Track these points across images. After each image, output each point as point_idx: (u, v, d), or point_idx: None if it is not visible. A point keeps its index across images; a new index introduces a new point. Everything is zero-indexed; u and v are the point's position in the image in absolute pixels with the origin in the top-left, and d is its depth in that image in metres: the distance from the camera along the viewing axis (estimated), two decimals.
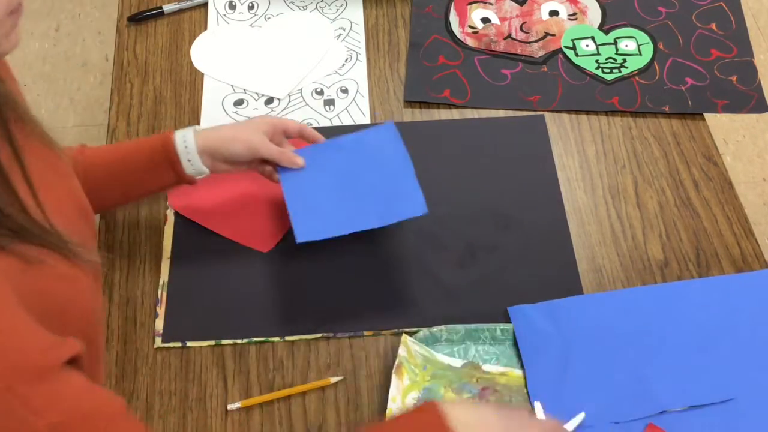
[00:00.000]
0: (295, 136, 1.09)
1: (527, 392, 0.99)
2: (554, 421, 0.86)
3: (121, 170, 1.01)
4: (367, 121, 1.26)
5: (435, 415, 0.74)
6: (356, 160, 1.08)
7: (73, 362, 0.70)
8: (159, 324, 1.05)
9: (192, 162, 1.01)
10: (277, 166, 1.07)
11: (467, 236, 1.13)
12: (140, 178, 1.03)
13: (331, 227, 1.01)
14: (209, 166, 1.03)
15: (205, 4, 1.41)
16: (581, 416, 0.96)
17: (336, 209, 1.03)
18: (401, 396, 0.97)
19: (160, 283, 1.09)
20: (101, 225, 1.15)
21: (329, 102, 1.28)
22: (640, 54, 1.34)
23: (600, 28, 1.38)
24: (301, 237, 1.00)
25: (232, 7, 1.41)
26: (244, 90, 1.30)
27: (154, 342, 1.04)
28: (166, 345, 1.04)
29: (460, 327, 1.03)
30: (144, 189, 1.05)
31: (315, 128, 1.24)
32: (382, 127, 1.11)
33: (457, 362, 1.01)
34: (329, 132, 1.23)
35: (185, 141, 1.01)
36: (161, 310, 1.06)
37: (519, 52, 1.34)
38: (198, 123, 1.26)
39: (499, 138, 1.24)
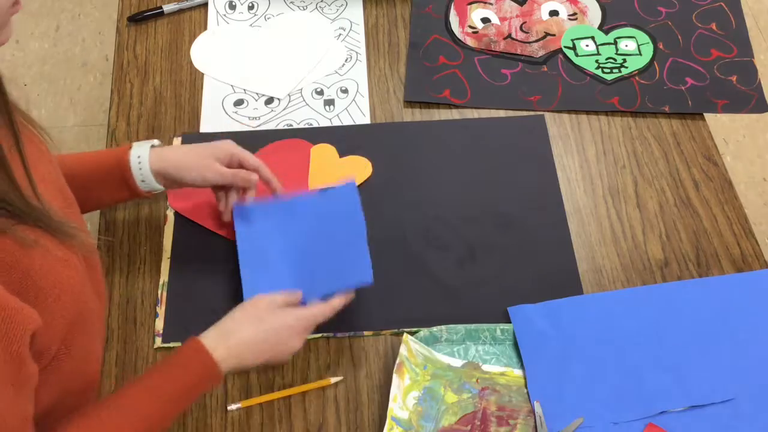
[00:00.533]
0: (251, 170, 1.06)
1: (527, 392, 0.99)
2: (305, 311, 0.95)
3: (78, 182, 1.00)
4: (367, 120, 1.26)
5: (199, 352, 0.87)
6: (313, 218, 1.07)
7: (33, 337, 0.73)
8: (159, 324, 1.05)
9: (146, 182, 1.02)
10: (233, 215, 1.07)
11: (467, 236, 1.13)
12: (96, 192, 1.03)
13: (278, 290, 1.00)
14: (163, 185, 1.04)
15: (205, 4, 1.41)
16: (579, 421, 0.96)
17: (285, 272, 1.03)
18: (402, 395, 0.97)
19: (160, 283, 1.09)
20: (101, 225, 1.15)
21: (329, 102, 1.28)
22: (640, 54, 1.34)
23: (600, 28, 1.38)
24: (248, 296, 1.00)
25: (232, 7, 1.41)
26: (244, 90, 1.30)
27: (154, 342, 1.04)
28: (167, 345, 1.04)
29: (460, 327, 1.03)
30: (100, 202, 1.06)
31: (315, 128, 1.24)
32: (344, 186, 1.08)
33: (457, 362, 1.01)
34: (329, 132, 1.23)
35: (140, 162, 1.01)
36: (161, 310, 1.06)
37: (519, 52, 1.34)
38: (198, 123, 1.26)
39: (500, 138, 1.24)
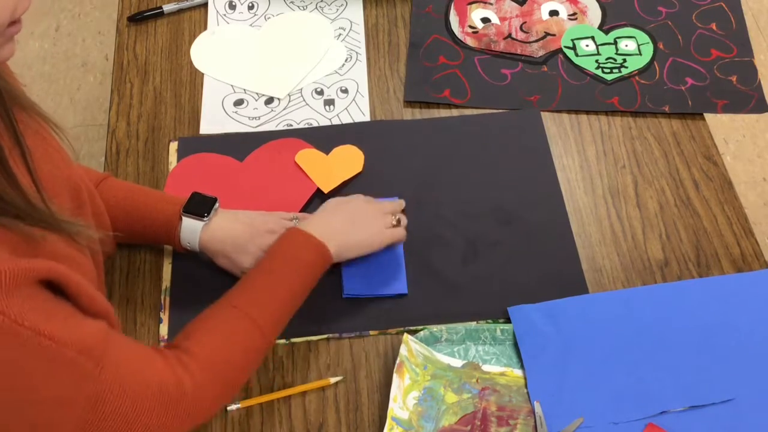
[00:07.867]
0: None
1: (527, 392, 0.99)
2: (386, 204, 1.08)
3: (126, 226, 1.02)
4: (367, 120, 1.25)
5: (299, 232, 0.98)
6: None
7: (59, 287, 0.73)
8: (164, 329, 1.05)
9: (192, 250, 1.05)
10: None
11: (468, 234, 1.13)
12: (140, 238, 1.07)
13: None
14: None
15: (205, 4, 1.41)
16: (579, 421, 0.96)
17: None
18: (402, 395, 0.97)
19: (163, 288, 1.08)
20: None
21: (329, 102, 1.28)
22: (640, 54, 1.34)
23: (600, 28, 1.38)
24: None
25: (232, 7, 1.41)
26: (244, 90, 1.30)
27: (158, 345, 1.04)
28: None
29: (460, 327, 1.03)
30: (138, 242, 1.10)
31: (314, 128, 1.24)
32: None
33: (457, 362, 1.01)
34: (329, 131, 1.23)
35: (190, 244, 1.03)
36: (165, 316, 1.06)
37: (519, 52, 1.34)
38: (198, 123, 1.25)
39: (494, 133, 1.23)
